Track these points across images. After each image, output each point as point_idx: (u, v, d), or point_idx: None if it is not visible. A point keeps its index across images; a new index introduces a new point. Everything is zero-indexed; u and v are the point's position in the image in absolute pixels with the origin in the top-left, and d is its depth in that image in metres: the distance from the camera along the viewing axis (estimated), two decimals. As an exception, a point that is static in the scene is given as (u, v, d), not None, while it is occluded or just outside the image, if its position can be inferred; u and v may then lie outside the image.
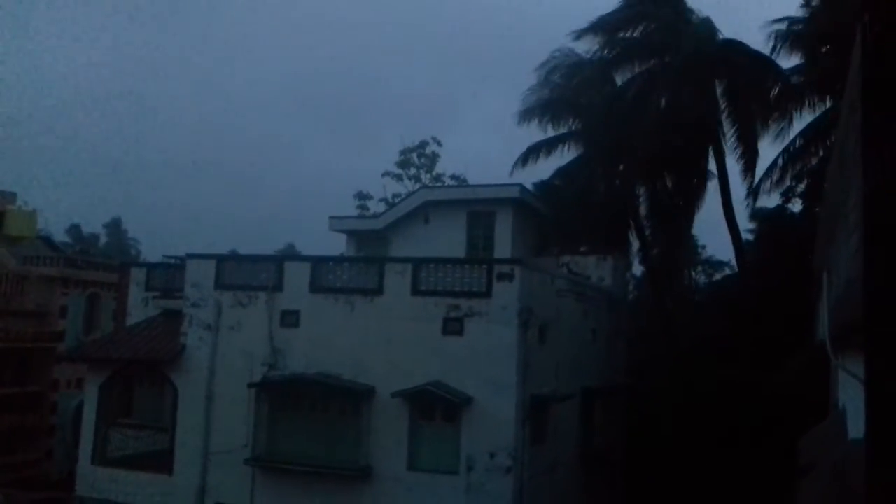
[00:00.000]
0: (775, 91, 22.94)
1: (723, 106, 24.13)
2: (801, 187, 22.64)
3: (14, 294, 26.44)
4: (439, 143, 36.57)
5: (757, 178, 22.96)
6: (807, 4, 21.16)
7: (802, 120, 22.21)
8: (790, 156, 21.99)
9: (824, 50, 19.85)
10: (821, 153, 20.95)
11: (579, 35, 24.39)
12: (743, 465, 17.79)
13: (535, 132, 26.45)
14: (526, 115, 26.13)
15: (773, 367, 17.73)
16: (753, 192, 22.96)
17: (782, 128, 22.67)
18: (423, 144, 36.33)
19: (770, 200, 23.63)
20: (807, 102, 22.01)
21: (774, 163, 22.36)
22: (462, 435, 15.61)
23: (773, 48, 22.19)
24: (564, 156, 26.45)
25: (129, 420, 19.40)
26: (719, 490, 18.11)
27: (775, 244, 21.58)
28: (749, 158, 23.42)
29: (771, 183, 22.50)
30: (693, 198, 25.45)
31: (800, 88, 22.18)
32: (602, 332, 21.47)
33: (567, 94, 25.59)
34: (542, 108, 26.18)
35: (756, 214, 24.59)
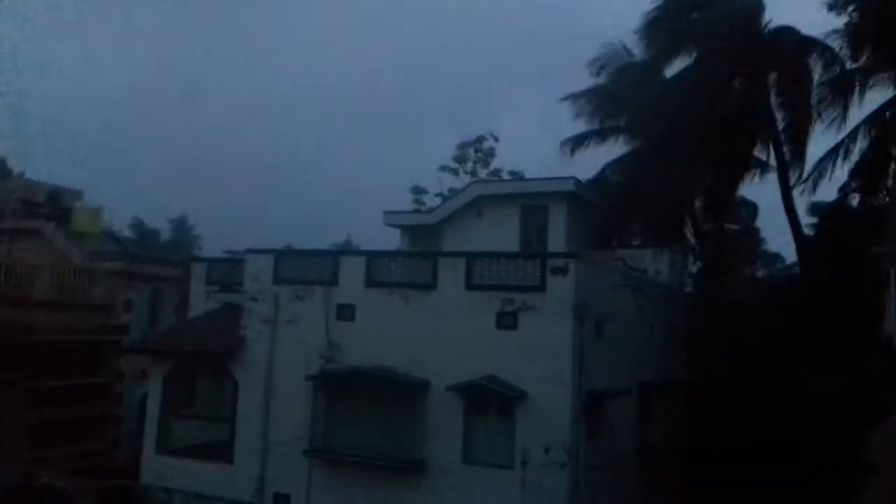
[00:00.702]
0: (828, 78, 22.21)
1: (775, 95, 23.48)
2: (855, 181, 21.95)
3: (81, 288, 27.37)
4: (496, 139, 36.49)
5: (808, 170, 22.38)
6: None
7: (860, 109, 21.50)
8: (846, 148, 21.33)
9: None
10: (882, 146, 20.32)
11: (638, 31, 24.06)
12: (805, 462, 17.36)
13: (584, 125, 26.22)
14: (577, 103, 25.82)
15: (836, 363, 17.24)
16: (812, 185, 22.35)
17: (834, 118, 21.96)
18: (480, 139, 36.32)
19: (824, 194, 22.98)
20: (864, 91, 21.23)
21: (830, 155, 21.73)
22: (517, 429, 15.58)
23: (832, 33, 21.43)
24: (614, 148, 26.14)
25: (191, 411, 19.93)
26: (781, 488, 17.70)
27: (837, 239, 20.93)
28: (799, 149, 22.79)
29: (826, 175, 21.90)
30: (733, 188, 25.05)
31: (857, 75, 21.40)
32: (659, 327, 21.17)
33: (617, 87, 25.26)
34: (593, 99, 25.87)
35: (815, 208, 23.91)
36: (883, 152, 21.07)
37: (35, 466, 20.11)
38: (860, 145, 21.32)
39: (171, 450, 18.98)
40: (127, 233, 47.83)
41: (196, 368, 19.84)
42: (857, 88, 21.42)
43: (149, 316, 28.40)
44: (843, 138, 21.58)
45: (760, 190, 24.31)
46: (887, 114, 20.86)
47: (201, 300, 20.52)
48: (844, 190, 22.41)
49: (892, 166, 21.20)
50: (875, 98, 21.14)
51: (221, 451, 18.19)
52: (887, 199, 21.11)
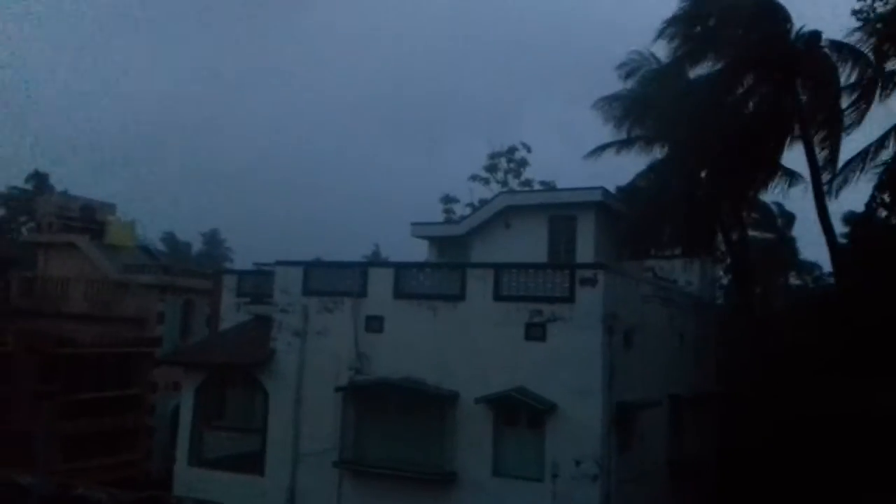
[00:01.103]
0: (857, 82, 21.86)
1: (804, 100, 23.16)
2: (881, 194, 21.56)
3: (115, 301, 27.83)
4: (528, 149, 36.54)
5: (838, 179, 21.98)
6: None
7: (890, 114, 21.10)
8: (872, 155, 20.98)
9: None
10: None
11: (657, 35, 23.85)
12: (839, 477, 17.01)
13: (613, 131, 26.02)
14: (606, 109, 25.63)
15: (871, 373, 16.90)
16: (835, 191, 21.98)
17: (861, 122, 21.61)
18: (512, 150, 36.42)
19: (851, 199, 22.57)
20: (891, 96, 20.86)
21: (855, 161, 21.39)
22: (547, 441, 15.48)
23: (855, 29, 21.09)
24: (642, 156, 25.89)
25: (222, 422, 20.10)
26: (814, 502, 17.36)
27: (869, 249, 20.55)
28: (832, 156, 22.43)
29: (851, 182, 21.55)
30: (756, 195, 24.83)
31: (886, 80, 21.02)
32: (690, 338, 20.94)
33: (644, 93, 25.05)
34: (621, 105, 25.70)
35: (848, 218, 23.51)
36: None
37: (70, 477, 20.36)
38: (888, 153, 20.95)
39: (203, 461, 19.13)
40: (159, 246, 48.58)
41: (227, 380, 20.02)
42: (886, 94, 21.04)
43: (181, 328, 28.78)
44: (870, 145, 21.22)
45: (799, 199, 23.84)
46: None
47: (232, 312, 20.73)
48: (871, 203, 22.02)
49: None
50: None
51: (252, 463, 18.30)
52: None
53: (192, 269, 32.91)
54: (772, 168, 24.14)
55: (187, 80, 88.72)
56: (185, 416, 19.49)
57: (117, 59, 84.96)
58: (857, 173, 21.26)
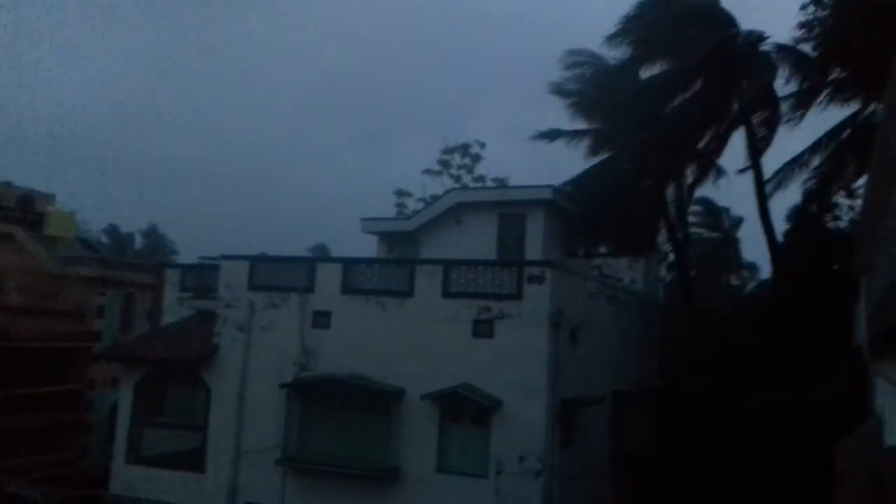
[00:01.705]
0: (799, 87, 22.58)
1: (748, 102, 23.80)
2: (808, 203, 22.39)
3: (53, 294, 27.00)
4: (482, 145, 36.60)
5: (780, 178, 22.69)
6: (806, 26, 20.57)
7: (826, 117, 21.84)
8: (805, 161, 21.75)
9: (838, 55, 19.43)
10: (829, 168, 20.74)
11: (610, 38, 24.17)
12: (778, 472, 17.49)
13: (561, 117, 26.08)
14: (556, 90, 25.63)
15: (809, 374, 17.40)
16: (771, 192, 22.67)
17: (799, 124, 22.36)
18: (465, 146, 36.43)
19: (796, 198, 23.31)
20: (834, 100, 21.57)
21: (789, 166, 22.13)
22: (491, 438, 15.55)
23: (801, 39, 21.78)
24: (589, 153, 26.09)
25: (162, 419, 19.67)
26: (753, 497, 17.80)
27: (806, 251, 21.20)
28: (760, 154, 23.21)
29: (784, 185, 22.30)
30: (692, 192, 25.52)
31: (826, 88, 21.73)
32: (633, 336, 21.27)
33: (593, 91, 25.30)
34: (571, 93, 25.78)
35: (790, 215, 24.22)
36: (831, 173, 21.54)
37: (4, 475, 19.74)
38: (819, 159, 21.75)
39: (142, 458, 18.68)
40: (101, 238, 47.31)
41: (168, 376, 19.58)
42: (824, 101, 21.75)
43: (121, 323, 28.11)
44: (804, 150, 21.98)
45: (750, 199, 24.35)
46: (844, 133, 21.27)
47: (175, 307, 20.28)
48: (801, 209, 22.83)
49: (835, 188, 21.63)
50: (838, 113, 21.51)
51: (193, 460, 17.94)
52: (838, 220, 21.53)
53: (133, 262, 32.15)
54: (710, 166, 24.85)
55: (134, 72, 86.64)
56: (124, 413, 19.02)
57: (62, 49, 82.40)
58: (792, 176, 22.00)
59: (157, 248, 51.85)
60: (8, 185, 32.63)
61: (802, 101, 22.38)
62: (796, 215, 23.15)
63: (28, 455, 21.88)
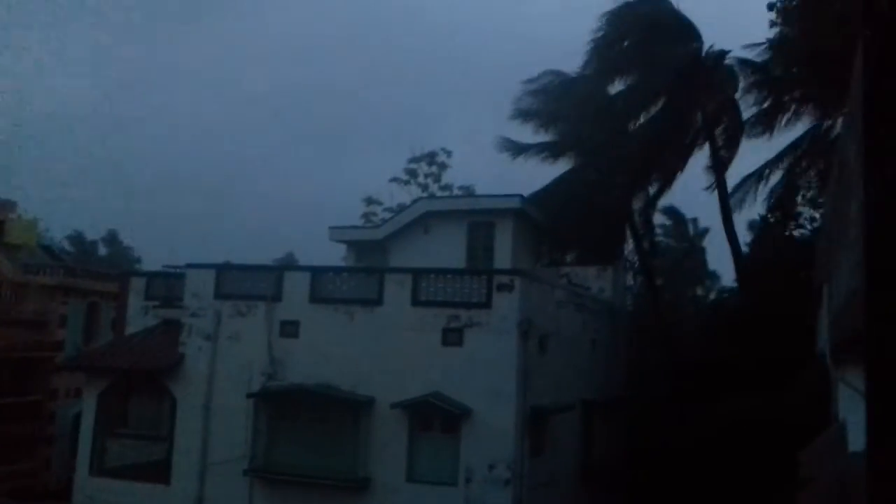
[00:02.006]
0: (765, 101, 23.05)
1: (711, 116, 24.28)
2: (771, 212, 22.94)
3: (13, 303, 26.40)
4: (448, 154, 36.69)
5: (748, 189, 23.17)
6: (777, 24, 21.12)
7: (792, 130, 22.36)
8: (766, 174, 22.28)
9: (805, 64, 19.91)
10: (814, 167, 21.12)
11: (586, 56, 24.54)
12: (743, 478, 17.71)
13: (527, 135, 26.29)
14: (520, 115, 25.82)
15: (774, 380, 17.67)
16: (737, 205, 23.14)
17: (764, 135, 22.88)
18: (432, 154, 36.47)
19: (753, 212, 23.83)
20: (795, 114, 22.10)
21: (750, 179, 22.64)
22: (461, 446, 15.56)
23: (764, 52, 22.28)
24: (556, 165, 26.34)
25: (127, 430, 19.34)
26: (720, 503, 18.00)
27: (770, 257, 21.61)
28: (723, 166, 23.71)
29: (747, 199, 22.81)
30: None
31: (788, 102, 22.23)
32: (602, 344, 21.44)
33: (559, 106, 25.55)
34: (535, 113, 25.99)
35: (753, 226, 24.72)
36: (793, 184, 22.05)
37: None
38: (780, 173, 22.28)
39: (106, 470, 18.34)
40: (65, 246, 46.47)
41: (133, 386, 19.28)
42: (787, 115, 22.25)
43: (84, 332, 27.56)
44: (765, 163, 22.49)
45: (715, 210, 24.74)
46: (804, 145, 21.78)
47: (139, 316, 19.97)
48: (764, 219, 23.31)
49: (799, 198, 22.12)
50: (801, 126, 22.03)
51: (158, 472, 17.66)
52: (801, 229, 22.01)
53: (97, 270, 31.55)
54: (674, 179, 25.28)
55: (95, 80, 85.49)
56: (87, 424, 18.64)
57: (27, 56, 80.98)
58: (752, 191, 22.48)
59: (120, 257, 51.04)
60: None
61: (766, 114, 22.87)
62: (760, 225, 23.60)
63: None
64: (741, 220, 24.27)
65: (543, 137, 26.00)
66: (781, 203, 22.52)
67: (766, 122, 22.90)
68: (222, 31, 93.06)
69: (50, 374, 24.88)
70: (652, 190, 25.94)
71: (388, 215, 31.38)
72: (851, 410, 4.85)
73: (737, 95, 23.73)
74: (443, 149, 36.83)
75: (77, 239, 51.77)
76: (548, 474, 16.87)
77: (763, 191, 22.70)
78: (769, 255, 21.80)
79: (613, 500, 21.26)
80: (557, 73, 25.64)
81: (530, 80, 25.56)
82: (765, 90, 22.94)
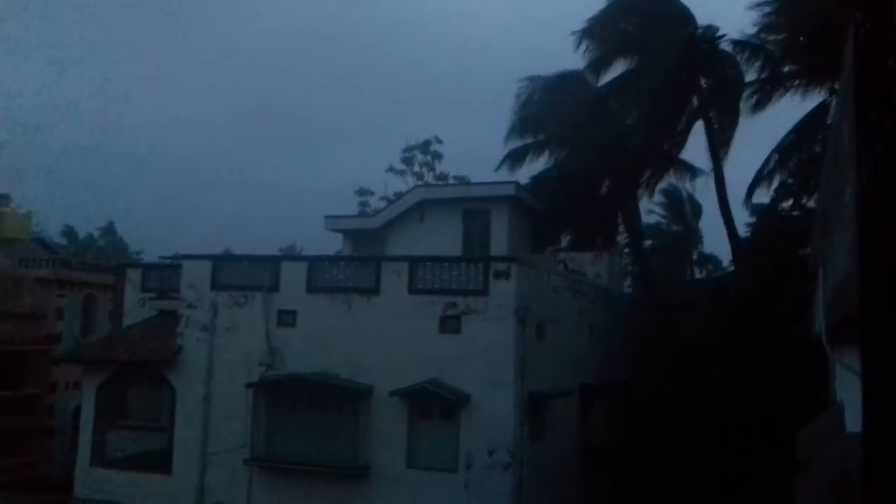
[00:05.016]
0: (759, 81, 22.99)
1: (708, 98, 24.25)
2: (791, 182, 22.70)
3: (9, 297, 26.38)
4: (441, 142, 36.70)
5: (746, 173, 23.13)
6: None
7: (790, 111, 22.28)
8: (781, 151, 22.05)
9: (801, 41, 19.85)
10: (814, 148, 20.99)
11: (577, 40, 24.52)
12: (742, 461, 17.82)
13: (523, 136, 26.37)
14: (512, 132, 26.00)
15: (770, 362, 17.73)
16: (749, 189, 23.00)
17: (760, 112, 22.79)
18: (427, 143, 36.47)
19: (763, 196, 23.70)
20: (791, 93, 22.03)
21: (768, 158, 22.43)
22: (461, 432, 15.62)
23: (758, 34, 22.21)
24: (550, 160, 26.41)
25: (127, 421, 19.39)
26: (719, 485, 18.13)
27: (770, 239, 21.58)
28: (720, 148, 23.65)
29: (764, 178, 22.57)
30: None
31: (785, 79, 22.16)
32: (599, 329, 21.50)
33: (550, 105, 25.58)
34: (525, 122, 26.06)
35: (755, 210, 24.65)
36: (813, 154, 21.84)
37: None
38: (791, 149, 22.06)
39: (107, 461, 18.42)
40: (59, 239, 46.36)
41: (131, 378, 19.30)
42: (787, 92, 22.16)
43: (82, 324, 27.58)
44: (779, 143, 22.31)
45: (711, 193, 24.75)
46: (814, 119, 21.63)
47: (136, 308, 19.98)
48: (779, 192, 23.12)
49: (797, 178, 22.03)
50: (804, 103, 21.90)
51: (159, 462, 17.72)
52: (801, 209, 21.92)
53: (92, 263, 31.51)
54: (670, 163, 25.26)
55: (85, 71, 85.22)
56: (87, 416, 18.70)
57: (18, 64, 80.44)
58: (765, 169, 22.30)
59: (116, 249, 50.91)
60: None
61: (762, 95, 22.80)
62: (760, 206, 23.54)
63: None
64: (740, 198, 24.17)
65: (538, 133, 26.11)
66: (783, 185, 22.47)
67: (762, 102, 22.81)
68: (228, 20, 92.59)
69: (48, 368, 24.89)
70: (648, 174, 25.94)
71: (382, 205, 31.41)
72: (848, 391, 4.88)
73: (732, 76, 23.69)
74: (435, 137, 36.83)
75: (70, 233, 51.63)
76: (548, 459, 16.96)
77: (765, 170, 22.55)
78: (768, 235, 21.76)
79: (612, 482, 21.39)
80: (534, 78, 25.75)
81: (517, 95, 25.75)
82: (760, 68, 22.90)
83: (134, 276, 20.66)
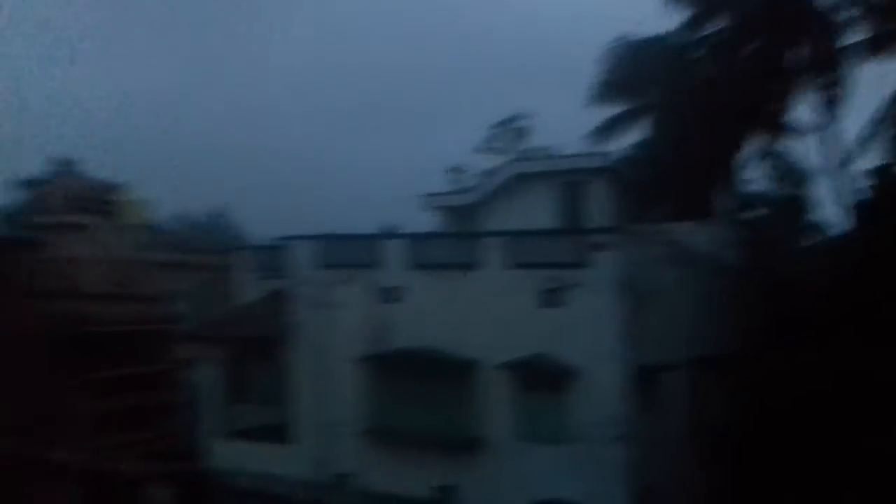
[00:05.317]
0: (865, 39, 21.63)
1: (810, 56, 22.94)
2: None
3: (131, 280, 28.05)
4: (530, 117, 36.28)
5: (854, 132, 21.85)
6: None
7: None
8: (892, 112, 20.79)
9: None
10: None
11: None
12: (866, 446, 16.92)
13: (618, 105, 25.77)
14: (602, 99, 25.40)
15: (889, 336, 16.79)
16: (859, 147, 21.79)
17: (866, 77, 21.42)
18: (514, 118, 36.16)
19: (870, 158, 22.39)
20: None
21: (878, 117, 21.20)
22: (568, 406, 15.68)
23: None
24: (645, 127, 25.67)
25: (247, 395, 20.38)
26: (843, 467, 17.24)
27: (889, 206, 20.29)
28: (840, 110, 22.32)
29: (872, 139, 21.39)
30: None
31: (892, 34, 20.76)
32: (706, 300, 20.93)
33: (641, 69, 24.81)
34: (615, 88, 25.40)
35: (872, 171, 23.32)
36: None
37: (104, 453, 20.77)
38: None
39: (233, 433, 19.48)
40: (172, 225, 48.72)
41: (248, 354, 20.28)
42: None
43: (199, 304, 29.00)
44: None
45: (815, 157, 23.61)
46: None
47: (248, 287, 20.94)
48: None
49: None
50: None
51: (281, 433, 18.64)
52: None
53: (206, 245, 33.07)
54: (775, 126, 24.12)
55: (189, 61, 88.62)
56: (213, 391, 19.82)
57: (125, 56, 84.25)
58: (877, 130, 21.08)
59: (227, 232, 53.14)
60: (82, 176, 33.87)
61: (872, 51, 21.48)
62: (878, 166, 22.22)
63: (124, 434, 22.90)
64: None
65: (628, 103, 25.48)
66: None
67: (873, 53, 21.46)
68: (302, 19, 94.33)
69: (171, 345, 26.34)
70: (753, 137, 24.91)
71: (474, 182, 31.47)
72: None
73: (838, 33, 22.36)
74: (525, 112, 36.41)
75: (183, 217, 54.13)
76: (659, 432, 16.75)
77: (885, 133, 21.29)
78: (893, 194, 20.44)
79: (728, 458, 20.87)
80: (622, 41, 24.96)
81: (605, 60, 25.05)
82: (869, 22, 21.53)
83: (245, 257, 21.63)
